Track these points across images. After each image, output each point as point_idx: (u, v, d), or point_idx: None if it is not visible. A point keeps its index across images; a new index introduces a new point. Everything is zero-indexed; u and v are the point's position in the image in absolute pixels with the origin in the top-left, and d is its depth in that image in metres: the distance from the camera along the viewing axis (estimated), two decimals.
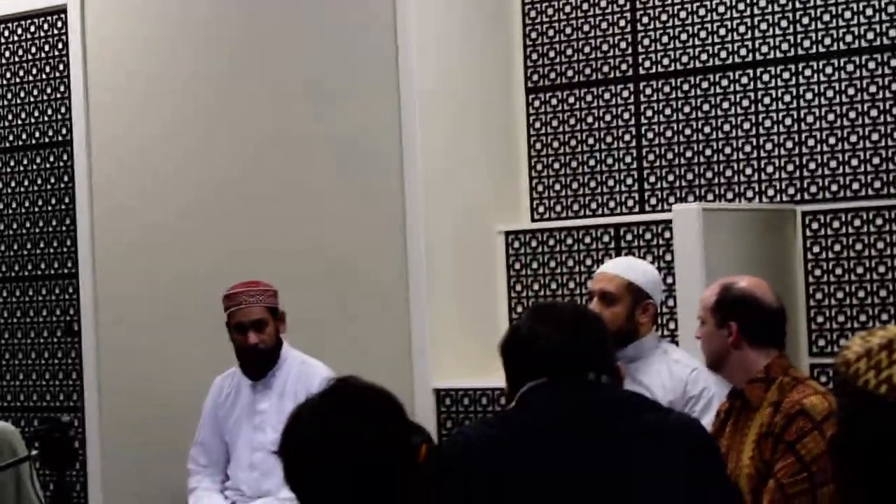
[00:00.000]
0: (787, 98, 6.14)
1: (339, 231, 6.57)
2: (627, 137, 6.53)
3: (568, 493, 2.83)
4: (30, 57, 7.55)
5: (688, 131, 6.37)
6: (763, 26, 6.22)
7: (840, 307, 5.92)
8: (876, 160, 5.92)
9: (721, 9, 6.31)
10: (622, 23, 6.57)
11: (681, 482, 2.88)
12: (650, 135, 6.47)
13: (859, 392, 2.03)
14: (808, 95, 6.09)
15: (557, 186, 6.73)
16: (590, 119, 6.64)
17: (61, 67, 7.41)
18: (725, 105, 6.28)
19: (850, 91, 6.00)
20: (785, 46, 6.16)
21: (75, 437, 6.14)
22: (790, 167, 6.12)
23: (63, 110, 7.41)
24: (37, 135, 7.55)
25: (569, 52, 6.70)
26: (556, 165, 6.73)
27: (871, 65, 5.97)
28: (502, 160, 6.78)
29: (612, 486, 2.85)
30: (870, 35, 5.98)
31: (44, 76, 7.50)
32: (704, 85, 6.34)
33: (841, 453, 2.07)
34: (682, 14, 6.41)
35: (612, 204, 6.57)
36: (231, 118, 6.83)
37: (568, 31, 6.71)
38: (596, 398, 2.99)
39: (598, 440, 2.90)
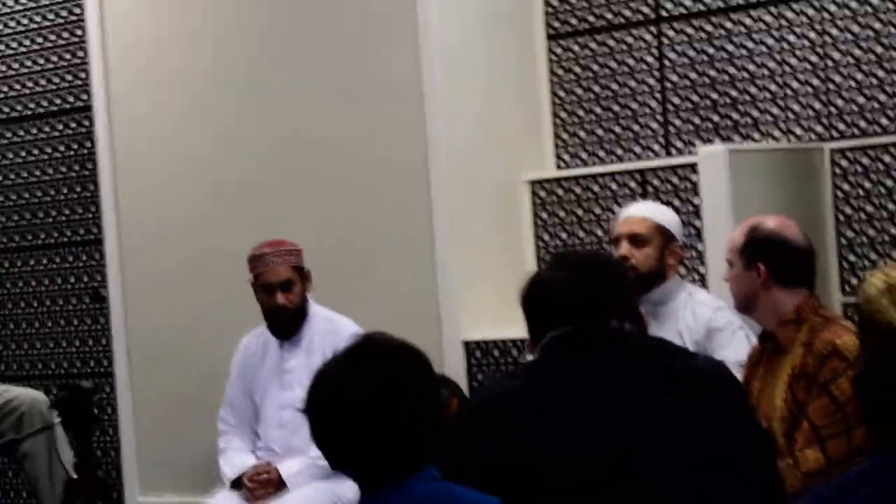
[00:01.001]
0: (812, 35, 6.05)
1: (364, 185, 6.55)
2: (651, 81, 6.46)
3: (594, 440, 2.79)
4: (47, 23, 7.53)
5: (712, 73, 6.29)
6: None
7: (871, 244, 5.85)
8: None
9: None
10: None
11: (706, 423, 2.84)
12: (674, 78, 6.40)
13: (883, 329, 1.98)
14: (833, 31, 6.00)
15: (582, 133, 6.66)
16: (613, 64, 6.57)
17: (80, 34, 7.38)
18: (749, 44, 6.20)
19: (876, 25, 5.91)
20: None
21: (95, 402, 6.17)
22: (817, 105, 6.04)
23: (83, 76, 7.37)
24: (57, 101, 7.52)
25: None
26: (580, 112, 6.66)
27: None
28: (526, 109, 6.72)
29: (638, 434, 2.80)
30: None
31: (62, 41, 7.47)
32: (728, 25, 6.25)
33: (867, 393, 2.03)
34: None
35: (637, 149, 6.51)
36: (260, 85, 6.82)
37: None
38: (619, 345, 2.95)
39: (621, 388, 2.86)
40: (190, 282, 6.98)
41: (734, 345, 4.58)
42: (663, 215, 4.95)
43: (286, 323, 5.61)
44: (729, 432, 2.86)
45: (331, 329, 5.52)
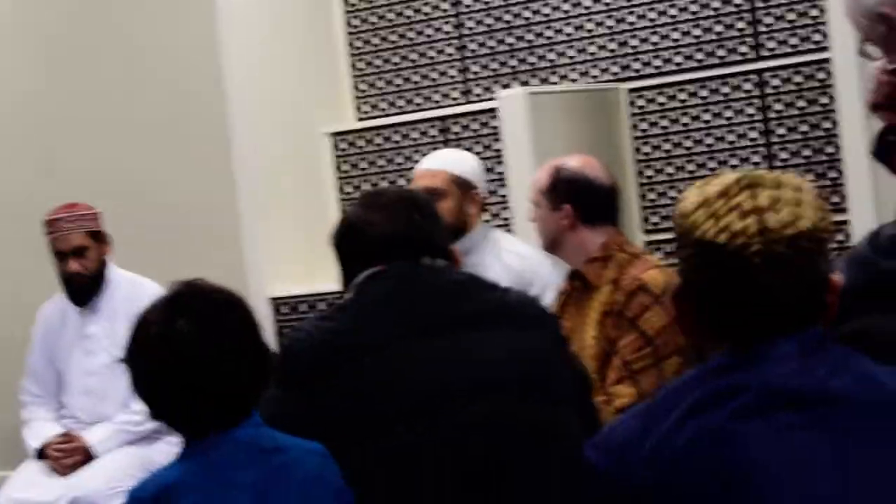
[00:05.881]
0: None
1: (160, 144, 6.46)
2: (448, 28, 6.44)
3: (416, 368, 2.77)
4: None
5: (507, 17, 6.29)
6: None
7: (670, 182, 5.92)
8: (697, 31, 5.90)
9: None
10: None
11: (529, 355, 2.83)
12: (470, 23, 6.38)
13: (700, 242, 1.99)
14: None
15: (381, 83, 6.62)
16: (409, 12, 6.53)
17: None
18: None
19: None
20: None
21: None
22: (613, 45, 6.08)
23: None
24: None
25: None
26: (378, 62, 6.62)
27: None
28: (322, 61, 6.66)
29: (460, 362, 2.78)
30: None
31: None
32: None
33: (687, 302, 2.05)
34: None
35: (437, 96, 6.49)
36: (54, 44, 6.68)
37: None
38: (434, 282, 2.92)
39: (440, 325, 2.83)
40: None
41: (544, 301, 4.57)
42: (459, 164, 4.85)
43: (81, 289, 5.51)
44: (551, 364, 2.86)
45: (132, 293, 5.41)
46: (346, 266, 3.01)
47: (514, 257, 4.76)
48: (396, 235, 2.93)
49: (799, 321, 2.00)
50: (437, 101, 6.48)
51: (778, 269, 1.96)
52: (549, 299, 4.53)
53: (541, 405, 2.78)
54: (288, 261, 6.30)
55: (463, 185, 4.80)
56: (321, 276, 5.97)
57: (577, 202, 4.11)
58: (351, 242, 2.99)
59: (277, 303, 6.27)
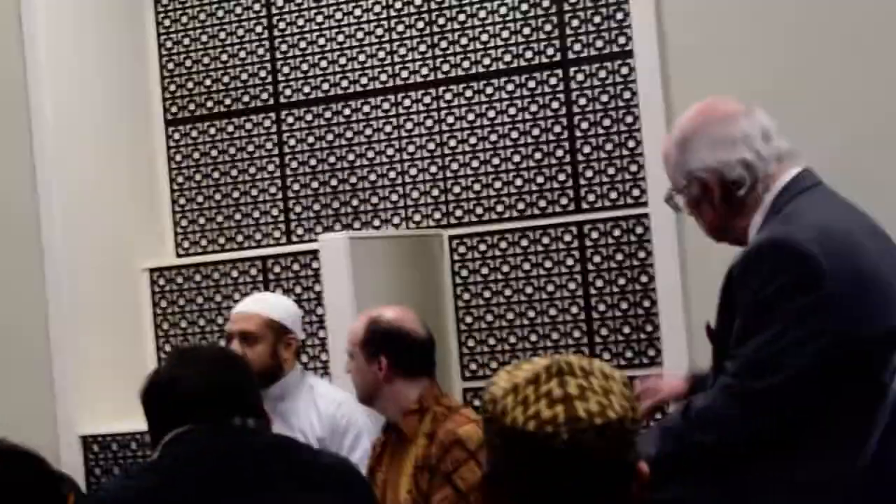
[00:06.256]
0: (430, 122, 6.13)
1: None
2: (271, 167, 6.42)
3: None
4: None
5: (332, 159, 6.29)
6: (402, 51, 6.19)
7: (490, 330, 5.93)
8: (519, 182, 5.96)
9: (360, 35, 6.25)
10: (261, 51, 6.45)
11: None
12: (294, 164, 6.37)
13: (508, 429, 1.97)
14: (450, 119, 6.09)
15: (202, 220, 6.56)
16: (232, 150, 6.50)
17: None
18: (368, 131, 6.23)
19: (491, 113, 6.03)
20: (425, 71, 6.15)
21: None
22: (435, 192, 6.11)
23: None
24: None
25: (207, 82, 6.55)
26: (200, 199, 6.56)
27: (510, 87, 6.00)
28: (144, 196, 6.57)
29: None
30: (507, 57, 6.01)
31: None
32: (347, 111, 6.27)
33: (494, 487, 2.03)
34: (321, 41, 6.33)
35: (258, 236, 6.44)
36: None
37: (206, 60, 6.55)
38: (243, 444, 2.88)
39: (248, 488, 2.79)
40: None
41: (356, 452, 4.54)
42: (275, 308, 4.84)
43: None
44: None
45: None
46: (154, 422, 2.98)
47: (329, 403, 4.73)
48: (207, 394, 2.91)
49: None
50: (258, 241, 6.44)
51: (585, 458, 1.95)
52: (364, 447, 4.52)
53: None
54: (101, 398, 6.16)
55: (278, 330, 4.77)
56: (134, 414, 5.85)
57: (393, 354, 4.12)
58: (160, 400, 2.97)
59: (88, 441, 6.12)
